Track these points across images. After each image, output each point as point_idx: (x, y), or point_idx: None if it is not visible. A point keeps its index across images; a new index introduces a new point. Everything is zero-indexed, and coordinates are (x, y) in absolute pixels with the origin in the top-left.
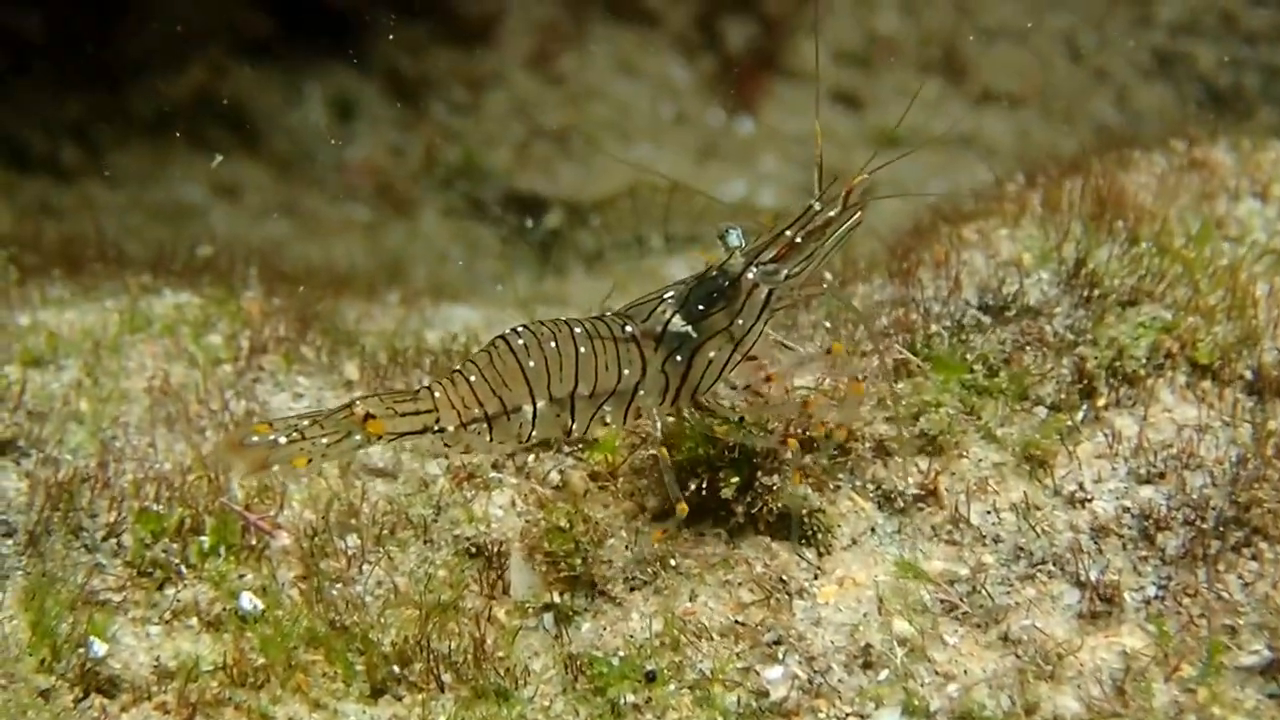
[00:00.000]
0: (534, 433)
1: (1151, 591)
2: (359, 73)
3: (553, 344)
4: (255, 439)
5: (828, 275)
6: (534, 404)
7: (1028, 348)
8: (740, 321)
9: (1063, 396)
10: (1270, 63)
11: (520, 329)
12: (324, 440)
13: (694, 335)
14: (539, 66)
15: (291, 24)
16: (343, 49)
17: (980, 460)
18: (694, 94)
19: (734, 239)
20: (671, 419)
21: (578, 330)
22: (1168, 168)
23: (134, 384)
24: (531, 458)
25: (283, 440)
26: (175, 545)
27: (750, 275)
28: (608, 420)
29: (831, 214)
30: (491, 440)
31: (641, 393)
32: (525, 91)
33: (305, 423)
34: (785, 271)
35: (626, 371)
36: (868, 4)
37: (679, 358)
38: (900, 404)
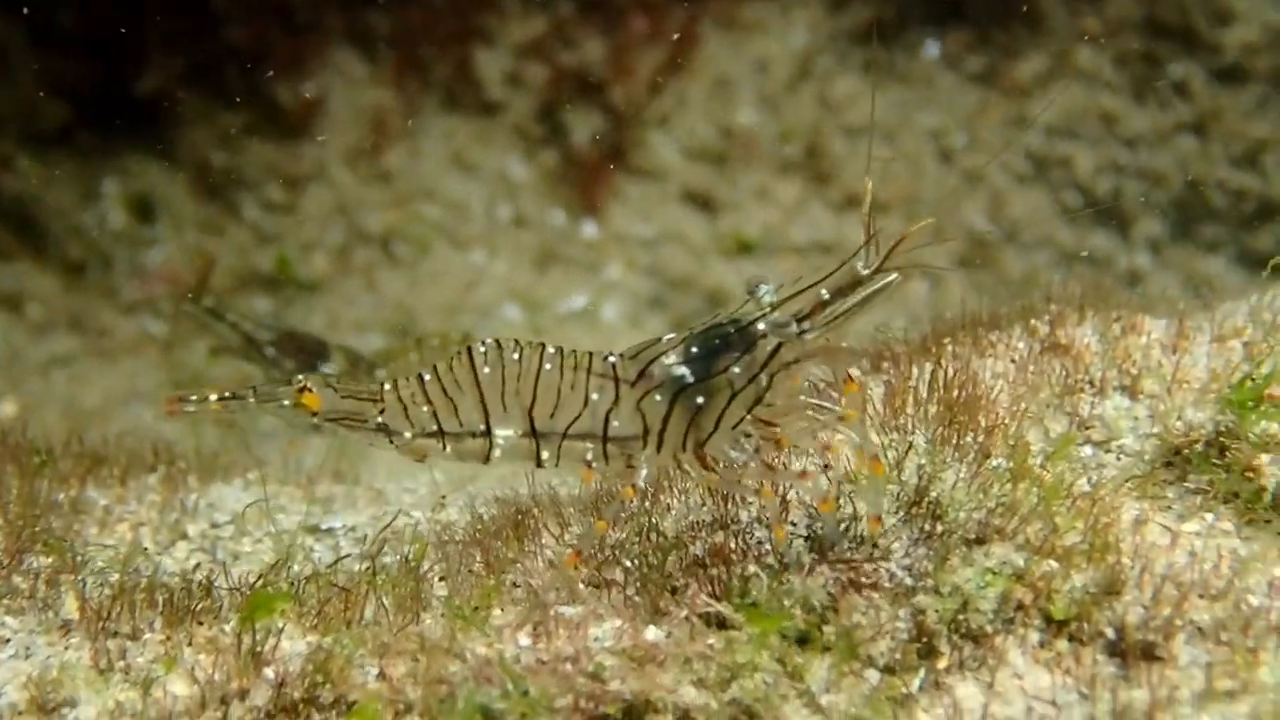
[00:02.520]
0: (497, 455)
1: None
2: (165, 167)
3: (515, 356)
4: (192, 398)
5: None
6: (488, 421)
7: (860, 593)
8: (737, 370)
9: (898, 657)
10: (1151, 168)
11: (488, 340)
12: (252, 401)
13: (679, 376)
14: (364, 162)
15: (91, 112)
16: (147, 140)
17: None
18: (534, 193)
19: (764, 294)
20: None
21: (549, 351)
22: (1026, 354)
23: None
24: None
25: (212, 399)
26: None
27: (761, 326)
28: (588, 458)
29: (863, 272)
30: (447, 452)
31: (615, 427)
32: (348, 189)
33: (244, 389)
34: (798, 327)
35: (595, 397)
36: (724, 96)
37: (658, 397)
38: (711, 665)
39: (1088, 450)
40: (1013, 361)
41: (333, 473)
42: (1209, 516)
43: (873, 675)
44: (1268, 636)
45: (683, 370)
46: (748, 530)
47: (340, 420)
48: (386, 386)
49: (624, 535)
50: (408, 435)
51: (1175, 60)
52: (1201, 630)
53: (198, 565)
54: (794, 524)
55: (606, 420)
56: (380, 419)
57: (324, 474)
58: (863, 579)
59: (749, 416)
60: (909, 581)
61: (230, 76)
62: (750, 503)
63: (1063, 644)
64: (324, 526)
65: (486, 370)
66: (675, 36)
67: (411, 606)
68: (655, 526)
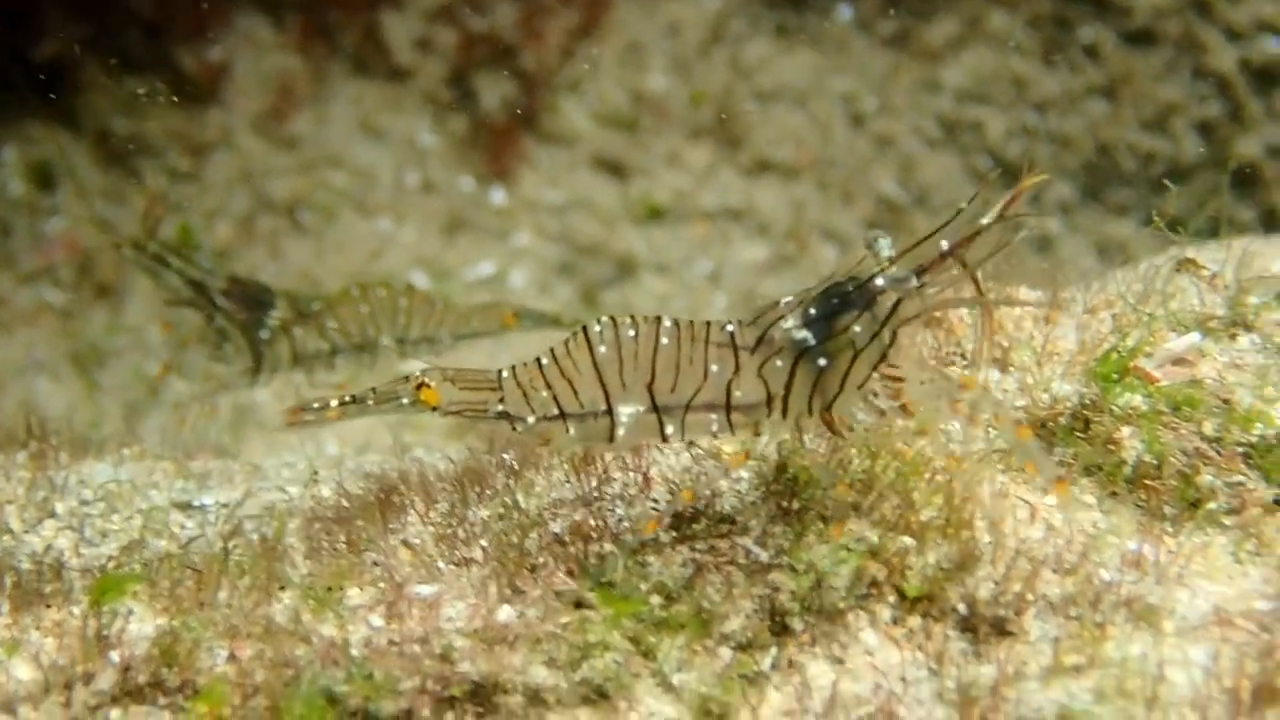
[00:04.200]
0: (621, 435)
1: None
2: (66, 134)
3: (631, 333)
4: (315, 406)
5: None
6: (608, 400)
7: (715, 570)
8: (858, 329)
9: (750, 635)
10: (1061, 131)
11: (603, 319)
12: (370, 402)
13: (800, 339)
14: (270, 128)
15: None
16: (47, 106)
17: (652, 715)
18: (443, 159)
19: (884, 248)
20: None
21: (665, 324)
22: None
23: None
24: None
25: (333, 404)
26: None
27: (879, 282)
28: (714, 429)
29: (985, 222)
30: (574, 435)
31: (738, 393)
32: (253, 157)
33: (360, 392)
34: (917, 280)
35: (715, 368)
36: (635, 62)
37: (779, 363)
38: (562, 644)
39: (955, 424)
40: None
41: (213, 447)
42: (1073, 489)
43: (725, 653)
44: (1116, 611)
45: (804, 334)
46: (610, 507)
47: (461, 412)
48: (504, 374)
49: (487, 513)
50: (530, 420)
51: (1086, 23)
52: (1053, 605)
53: (48, 547)
54: (655, 500)
55: (729, 390)
56: (501, 407)
57: (202, 449)
58: (719, 557)
59: (875, 375)
60: (765, 558)
61: (133, 42)
62: (614, 480)
63: (915, 620)
64: (196, 503)
65: (603, 349)
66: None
67: (266, 587)
68: (518, 504)
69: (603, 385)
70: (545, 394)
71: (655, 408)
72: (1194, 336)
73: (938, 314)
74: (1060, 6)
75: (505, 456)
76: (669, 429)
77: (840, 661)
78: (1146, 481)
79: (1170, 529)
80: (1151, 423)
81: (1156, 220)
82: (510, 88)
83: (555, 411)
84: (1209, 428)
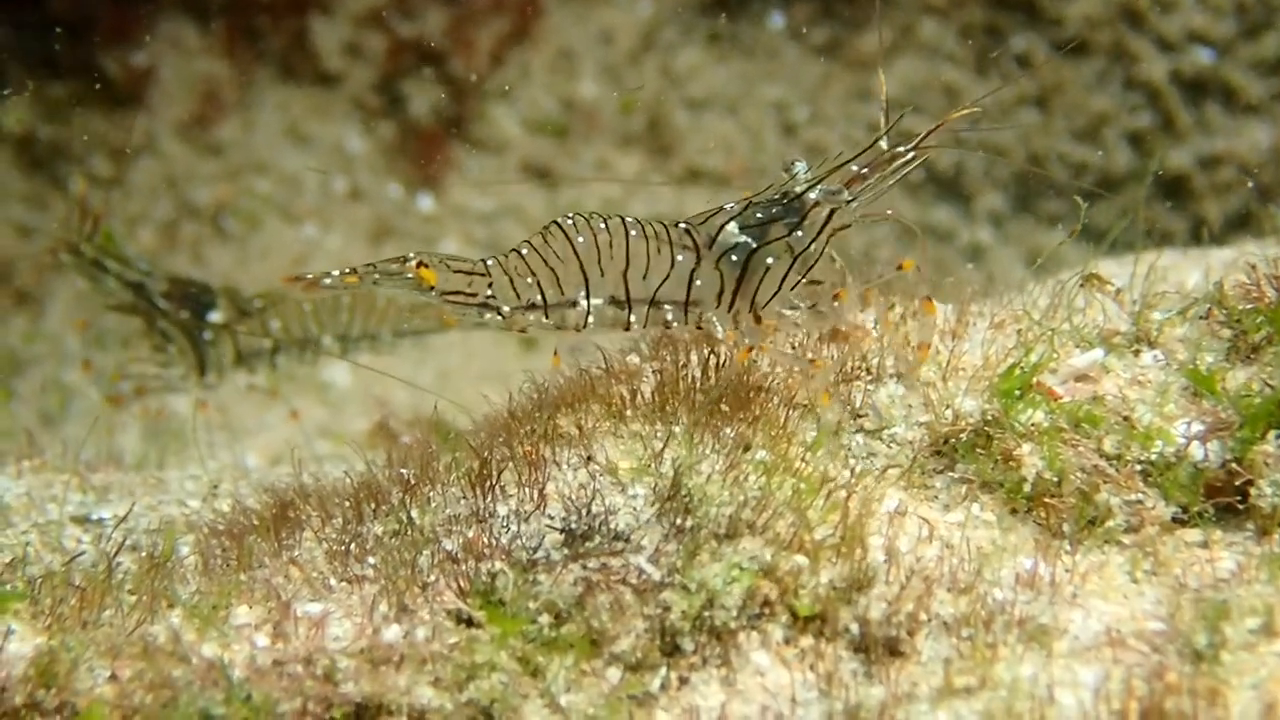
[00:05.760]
0: (590, 322)
1: None
2: None
3: (603, 225)
4: (310, 275)
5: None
6: (587, 288)
7: (606, 589)
8: (799, 234)
9: (640, 655)
10: (993, 141)
11: (573, 215)
12: (375, 277)
13: (749, 242)
14: (195, 134)
15: None
16: None
17: None
18: (370, 166)
19: (799, 169)
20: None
21: (629, 220)
22: (806, 340)
23: None
24: None
25: (336, 274)
26: None
27: (812, 195)
28: (669, 319)
29: (900, 151)
30: (549, 322)
31: (697, 289)
32: (177, 162)
33: (362, 266)
34: (847, 194)
35: (680, 258)
36: (567, 68)
37: (734, 257)
38: (449, 664)
39: (859, 439)
40: (793, 348)
41: (113, 460)
42: (974, 507)
43: (614, 674)
44: (1008, 632)
45: (746, 237)
46: (504, 524)
47: (453, 294)
48: (490, 262)
49: (381, 529)
50: (508, 309)
51: (1018, 32)
52: (946, 625)
53: None
54: (551, 517)
55: (690, 282)
56: (489, 292)
57: (103, 461)
58: (611, 576)
59: (803, 280)
60: (657, 577)
61: (56, 46)
62: (510, 495)
63: (807, 640)
64: (93, 516)
65: (581, 240)
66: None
67: (151, 605)
68: (412, 520)
69: (583, 272)
70: (530, 281)
71: (626, 298)
72: (1097, 353)
73: (841, 327)
74: (992, 15)
75: (403, 471)
76: (633, 318)
77: (730, 683)
78: (1046, 499)
79: (1068, 547)
80: (1052, 440)
81: (1075, 229)
82: (439, 94)
83: (538, 299)
84: (1109, 445)
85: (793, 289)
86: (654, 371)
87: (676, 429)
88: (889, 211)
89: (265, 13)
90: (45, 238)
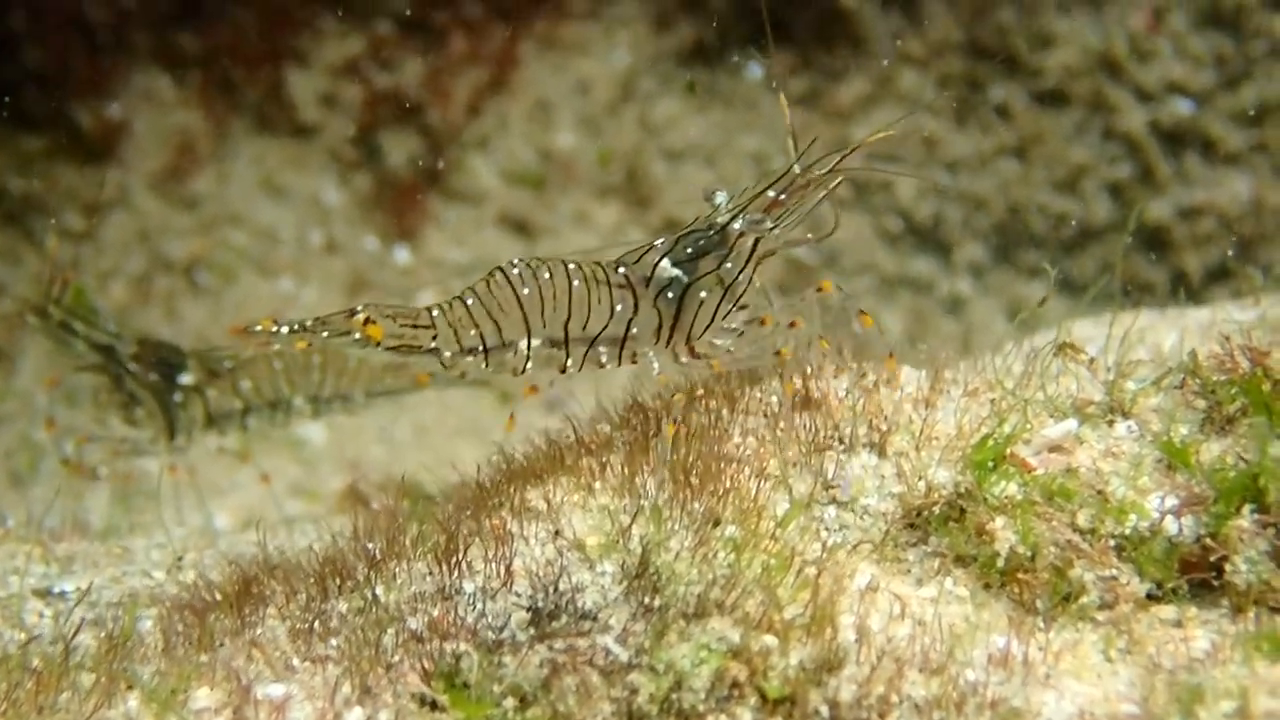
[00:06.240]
0: (528, 366)
1: None
2: None
3: (547, 275)
4: (258, 329)
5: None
6: (528, 336)
7: (573, 671)
8: (729, 266)
9: None
10: (972, 192)
11: (516, 261)
12: (324, 334)
13: (683, 278)
14: (169, 187)
15: None
16: None
17: None
18: (347, 218)
19: (720, 199)
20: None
21: (571, 266)
22: (778, 408)
23: None
24: None
25: (284, 331)
26: None
27: (737, 225)
28: (603, 360)
29: (816, 175)
30: (487, 368)
31: (635, 331)
32: (151, 216)
33: (309, 321)
34: (769, 222)
35: (619, 308)
36: (544, 119)
37: (670, 294)
38: None
39: (831, 511)
40: (764, 416)
41: (79, 527)
42: (946, 581)
43: None
44: (980, 715)
45: (677, 271)
46: (470, 602)
47: (399, 347)
48: (435, 313)
49: (346, 606)
50: (449, 354)
51: (997, 83)
52: (917, 707)
53: None
54: (518, 594)
55: (629, 325)
56: (433, 343)
57: (68, 529)
58: (578, 657)
59: (732, 309)
60: (624, 658)
61: (29, 98)
62: (477, 572)
63: None
64: (55, 590)
65: (526, 291)
66: (494, 58)
67: (108, 688)
68: (376, 598)
69: (525, 322)
70: (473, 331)
71: (564, 341)
72: (1071, 423)
73: (812, 393)
74: (971, 66)
75: (369, 545)
76: (569, 360)
77: None
78: (1019, 574)
79: (1042, 624)
80: (1025, 513)
81: (1049, 292)
82: (416, 145)
83: (479, 346)
84: (1083, 519)
85: (724, 318)
86: (623, 443)
87: (645, 503)
88: (809, 236)
89: (240, 64)
90: (12, 300)
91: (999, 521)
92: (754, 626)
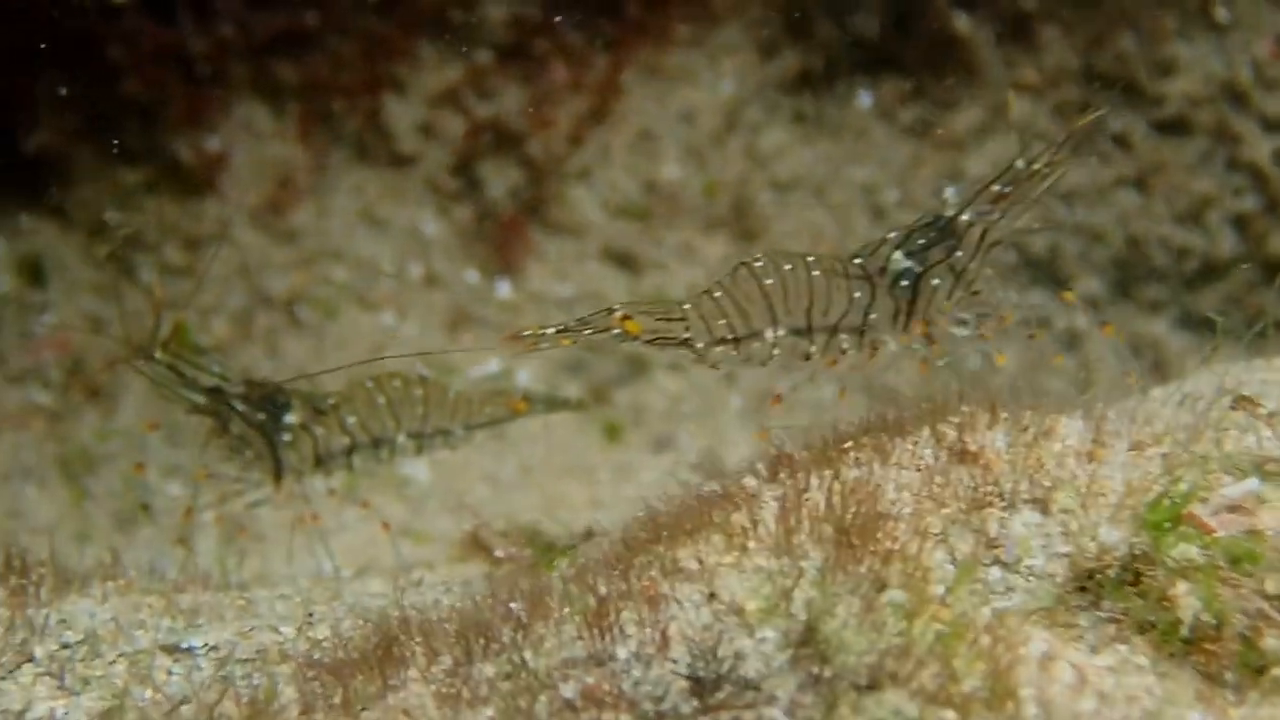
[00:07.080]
0: (775, 353)
1: None
2: (57, 227)
3: (788, 266)
4: (527, 333)
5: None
6: (774, 325)
7: None
8: (959, 255)
9: None
10: (1090, 224)
11: (759, 256)
12: (588, 333)
13: (915, 267)
14: (268, 220)
15: None
16: (39, 198)
17: None
18: (447, 251)
19: (949, 193)
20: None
21: (810, 259)
22: (933, 461)
23: None
24: None
25: (551, 332)
26: None
27: (965, 216)
28: (845, 347)
29: (1038, 166)
30: (737, 355)
31: (873, 318)
32: (251, 250)
33: (571, 322)
34: (998, 213)
35: (858, 295)
36: (648, 149)
37: (904, 282)
38: None
39: (995, 573)
40: (918, 470)
41: (202, 579)
42: (1123, 649)
43: None
44: None
45: (910, 262)
46: (624, 668)
47: (655, 340)
48: (687, 307)
49: (493, 670)
50: (702, 345)
51: (1115, 112)
52: None
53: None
54: (674, 661)
55: (866, 312)
56: (686, 333)
57: (191, 581)
58: None
59: (964, 296)
60: None
61: (128, 131)
62: (629, 636)
63: None
64: (183, 645)
65: (770, 281)
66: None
67: None
68: (525, 663)
69: (770, 311)
70: (723, 322)
71: (808, 329)
72: (1252, 482)
73: (970, 446)
74: (1088, 94)
75: (512, 606)
76: (813, 348)
77: None
78: (1205, 644)
79: (1232, 697)
80: (1208, 578)
81: (1217, 340)
82: (517, 176)
83: (730, 334)
84: (1271, 585)
85: (956, 305)
86: (773, 498)
87: (804, 564)
88: (1035, 225)
89: (339, 94)
90: (117, 343)
91: (1181, 587)
92: (931, 700)
